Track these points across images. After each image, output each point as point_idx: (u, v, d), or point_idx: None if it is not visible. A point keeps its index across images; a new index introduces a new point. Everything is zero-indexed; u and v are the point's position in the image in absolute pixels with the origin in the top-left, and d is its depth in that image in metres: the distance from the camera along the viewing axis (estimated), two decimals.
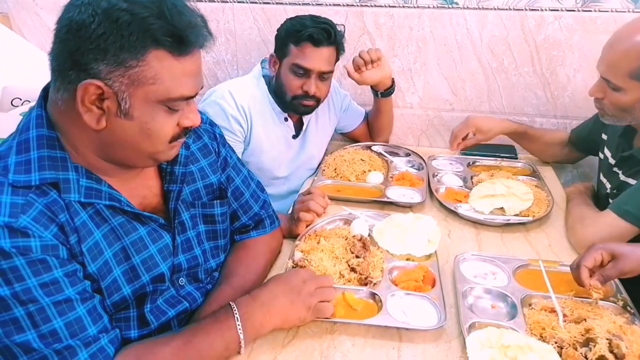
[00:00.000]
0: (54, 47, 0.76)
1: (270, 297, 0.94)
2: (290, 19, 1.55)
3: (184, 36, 0.76)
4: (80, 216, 0.81)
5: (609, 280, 1.04)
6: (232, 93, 1.55)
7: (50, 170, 0.78)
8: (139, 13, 0.72)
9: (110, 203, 0.84)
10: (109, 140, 0.80)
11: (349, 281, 1.10)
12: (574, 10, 1.68)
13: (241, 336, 0.88)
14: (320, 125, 1.77)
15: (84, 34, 0.71)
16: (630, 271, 1.01)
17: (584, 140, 1.66)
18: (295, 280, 0.98)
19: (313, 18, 1.52)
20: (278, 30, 1.57)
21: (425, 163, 1.73)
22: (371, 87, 1.75)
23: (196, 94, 0.83)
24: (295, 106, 1.58)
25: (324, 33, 1.47)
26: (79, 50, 0.72)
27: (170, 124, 0.82)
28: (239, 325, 0.88)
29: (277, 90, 1.59)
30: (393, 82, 1.74)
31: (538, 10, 1.70)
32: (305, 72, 1.50)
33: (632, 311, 1.04)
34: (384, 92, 1.74)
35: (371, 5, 1.80)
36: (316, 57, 1.49)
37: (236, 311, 0.89)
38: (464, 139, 1.71)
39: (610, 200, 1.33)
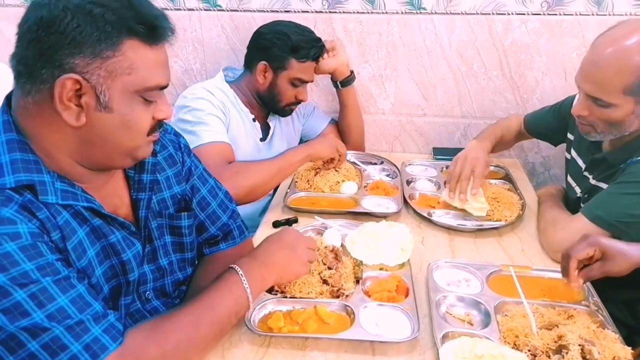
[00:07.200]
0: (18, 50, 0.76)
1: (267, 254, 1.01)
2: (285, 29, 1.59)
3: (156, 25, 0.78)
4: (63, 215, 0.80)
5: (591, 279, 1.04)
6: (209, 90, 1.59)
7: (24, 173, 0.76)
8: (109, 4, 0.74)
9: (88, 205, 0.83)
10: (88, 137, 0.79)
11: (321, 294, 1.08)
12: (539, 14, 1.70)
13: (248, 290, 0.92)
14: (285, 132, 1.80)
15: (57, 29, 0.72)
16: (616, 274, 1.00)
17: (542, 134, 1.67)
18: (288, 237, 1.05)
19: (309, 34, 1.62)
20: (270, 39, 1.58)
21: (398, 170, 1.73)
22: (332, 80, 1.80)
23: (168, 84, 0.84)
24: (285, 111, 1.70)
25: (323, 51, 1.65)
26: (52, 47, 0.72)
27: (147, 116, 0.83)
28: (244, 280, 0.92)
29: (265, 97, 1.65)
30: (352, 72, 1.79)
31: (505, 14, 1.72)
32: (302, 83, 1.63)
33: (603, 314, 1.04)
34: (343, 81, 1.78)
35: (340, 12, 1.79)
36: (312, 71, 1.66)
37: (238, 269, 0.94)
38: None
39: (582, 205, 1.33)
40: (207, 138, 1.46)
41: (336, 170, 1.64)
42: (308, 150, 1.58)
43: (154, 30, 0.78)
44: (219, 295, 0.89)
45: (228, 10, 1.85)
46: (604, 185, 1.29)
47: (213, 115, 1.52)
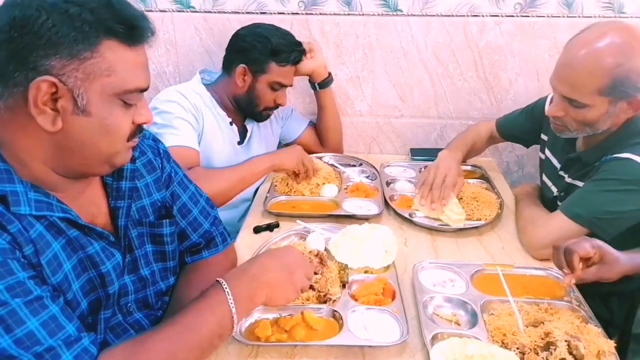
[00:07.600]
0: None
1: (262, 270, 0.92)
2: (266, 32, 1.57)
3: (136, 25, 0.75)
4: (36, 228, 0.76)
5: (583, 282, 1.03)
6: (182, 93, 1.55)
7: None
8: (87, 4, 0.71)
9: (64, 215, 0.79)
10: (64, 143, 0.75)
11: (308, 300, 1.06)
12: (513, 16, 1.73)
13: (233, 310, 0.84)
14: (263, 135, 1.77)
15: (31, 29, 0.68)
16: (606, 279, 1.00)
17: (516, 137, 1.70)
18: (289, 259, 0.97)
19: (289, 38, 1.60)
20: (250, 41, 1.55)
21: (378, 172, 1.73)
22: (310, 82, 1.79)
23: (148, 87, 0.81)
24: (262, 116, 1.67)
25: (302, 55, 1.64)
26: (25, 47, 0.69)
27: (127, 120, 0.79)
28: (230, 298, 0.84)
29: (243, 101, 1.62)
30: (330, 74, 1.78)
31: (479, 16, 1.74)
32: (281, 87, 1.61)
33: (585, 309, 1.06)
34: (321, 83, 1.78)
35: (316, 14, 1.78)
36: (292, 75, 1.64)
37: (225, 285, 0.86)
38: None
39: (559, 203, 1.35)
40: (172, 142, 1.42)
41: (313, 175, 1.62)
42: (272, 160, 1.57)
43: (134, 30, 0.75)
44: (200, 317, 0.82)
45: (202, 12, 1.81)
46: (579, 184, 1.32)
47: (182, 119, 1.49)
